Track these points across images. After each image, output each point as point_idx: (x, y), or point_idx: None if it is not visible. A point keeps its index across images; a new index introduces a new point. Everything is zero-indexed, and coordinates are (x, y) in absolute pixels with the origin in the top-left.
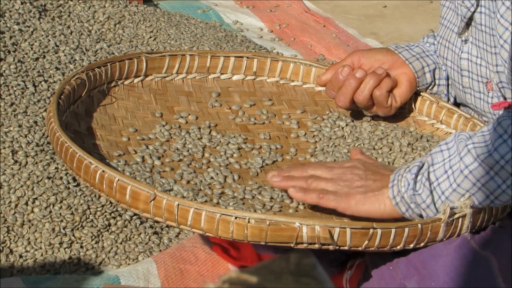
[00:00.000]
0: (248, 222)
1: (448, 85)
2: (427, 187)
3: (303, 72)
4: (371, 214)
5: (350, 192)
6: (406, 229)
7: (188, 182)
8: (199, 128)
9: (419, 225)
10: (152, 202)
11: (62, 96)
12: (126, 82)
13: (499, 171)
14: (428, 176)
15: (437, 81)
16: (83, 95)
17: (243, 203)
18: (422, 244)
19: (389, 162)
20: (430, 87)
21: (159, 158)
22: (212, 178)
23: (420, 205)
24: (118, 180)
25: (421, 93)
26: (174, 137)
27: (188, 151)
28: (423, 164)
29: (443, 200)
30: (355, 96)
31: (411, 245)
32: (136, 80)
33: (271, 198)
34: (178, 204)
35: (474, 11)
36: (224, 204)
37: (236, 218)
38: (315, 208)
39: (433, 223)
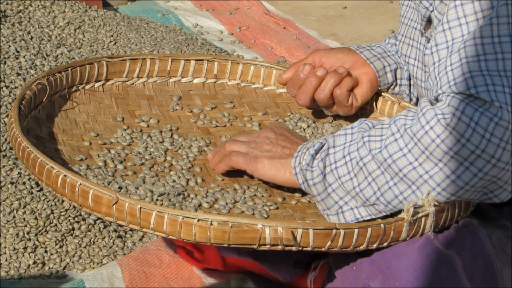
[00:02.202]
0: (211, 224)
1: (410, 85)
2: (320, 168)
3: (264, 75)
4: (276, 180)
5: (258, 155)
6: (369, 229)
7: (153, 184)
8: (161, 132)
9: (382, 225)
10: (114, 205)
11: (23, 102)
12: (87, 87)
13: (387, 169)
14: (324, 157)
15: (398, 81)
16: (44, 100)
17: (210, 206)
18: (385, 244)
19: None
20: (391, 87)
21: (121, 162)
22: (174, 181)
23: (308, 181)
24: (80, 184)
25: (383, 93)
26: (135, 141)
27: (150, 154)
28: (325, 142)
29: (337, 186)
30: (316, 94)
31: (374, 245)
32: (97, 85)
33: (234, 200)
34: (141, 208)
35: (433, 10)
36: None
37: (198, 220)
38: (280, 210)
39: (396, 223)
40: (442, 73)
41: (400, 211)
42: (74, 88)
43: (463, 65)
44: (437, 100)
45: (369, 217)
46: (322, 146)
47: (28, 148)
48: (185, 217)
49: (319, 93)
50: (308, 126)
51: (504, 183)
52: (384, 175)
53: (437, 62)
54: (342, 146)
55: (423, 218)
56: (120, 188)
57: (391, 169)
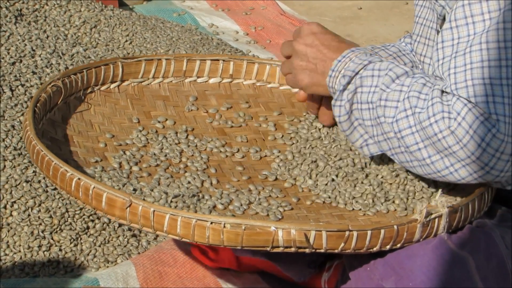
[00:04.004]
0: (224, 227)
1: None
2: (347, 108)
3: (280, 74)
4: (320, 93)
5: (299, 75)
6: (382, 231)
7: (168, 186)
8: (176, 133)
9: (395, 227)
10: (128, 209)
11: (38, 104)
12: (103, 88)
13: (398, 139)
14: (351, 97)
15: None
16: (59, 102)
17: (224, 208)
18: (398, 245)
19: (366, 163)
20: None
21: (136, 163)
22: (189, 182)
23: (336, 117)
24: (94, 187)
25: None
26: (151, 142)
27: (165, 156)
28: (354, 77)
29: (361, 123)
30: None
31: (388, 246)
32: (112, 86)
33: (249, 201)
34: (154, 211)
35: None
36: (202, 209)
37: (212, 223)
38: (294, 210)
39: (409, 224)
40: (446, 73)
41: (414, 211)
42: (89, 90)
43: (467, 71)
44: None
45: (390, 153)
46: (351, 80)
47: (42, 151)
48: (198, 219)
49: None
50: (323, 126)
51: (498, 183)
52: (397, 140)
53: (441, 59)
54: (368, 88)
55: (436, 219)
56: (134, 190)
57: (401, 141)
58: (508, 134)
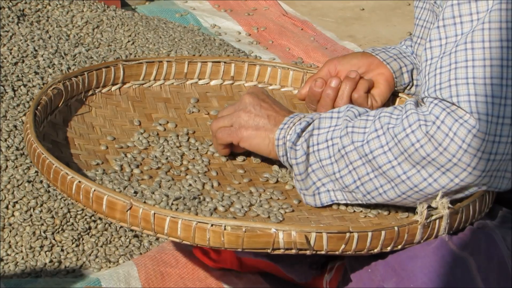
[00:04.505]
0: (224, 229)
1: None
2: (304, 148)
3: (281, 76)
4: (261, 150)
5: (243, 125)
6: (383, 232)
7: (169, 188)
8: (177, 136)
9: (396, 228)
10: (129, 211)
11: (39, 107)
12: (104, 90)
13: (367, 162)
14: (308, 138)
15: (415, 82)
16: (60, 105)
17: (225, 210)
18: (399, 247)
19: None
20: (408, 87)
21: (137, 166)
22: (190, 185)
23: (291, 160)
24: (95, 190)
25: (399, 94)
26: (152, 144)
27: (166, 158)
28: (312, 122)
29: (317, 167)
30: (336, 104)
31: (389, 248)
32: (113, 88)
33: (250, 204)
34: (154, 213)
35: None
36: (203, 211)
37: (212, 225)
38: (295, 212)
39: (410, 226)
40: (431, 74)
41: (414, 213)
42: (90, 92)
43: (451, 71)
44: (423, 100)
45: (344, 201)
46: (309, 125)
47: (43, 154)
48: (198, 222)
49: (338, 102)
50: None
51: (483, 185)
52: (365, 166)
53: (429, 59)
54: (326, 129)
55: (437, 221)
56: (135, 192)
57: (371, 163)
58: (489, 133)
